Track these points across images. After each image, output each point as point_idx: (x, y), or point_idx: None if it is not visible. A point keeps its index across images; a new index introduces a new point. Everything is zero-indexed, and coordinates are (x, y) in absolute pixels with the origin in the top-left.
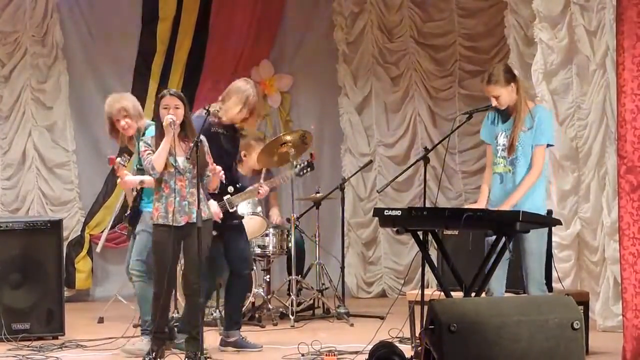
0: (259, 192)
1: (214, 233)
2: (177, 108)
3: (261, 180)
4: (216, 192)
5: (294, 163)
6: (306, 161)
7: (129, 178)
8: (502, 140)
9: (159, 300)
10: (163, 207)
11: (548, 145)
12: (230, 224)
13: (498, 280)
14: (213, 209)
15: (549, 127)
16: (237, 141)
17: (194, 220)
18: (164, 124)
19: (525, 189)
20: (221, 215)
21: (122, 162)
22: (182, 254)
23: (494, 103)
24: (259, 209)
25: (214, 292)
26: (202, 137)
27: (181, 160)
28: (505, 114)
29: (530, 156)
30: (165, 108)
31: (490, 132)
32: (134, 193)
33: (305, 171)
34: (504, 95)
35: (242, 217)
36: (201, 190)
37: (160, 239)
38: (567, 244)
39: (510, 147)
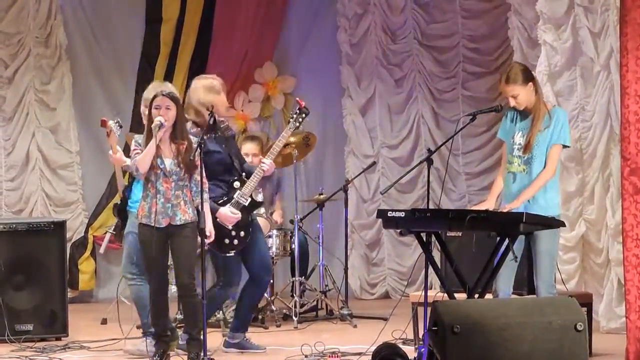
0: (263, 170)
1: (242, 234)
2: (168, 109)
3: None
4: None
5: (288, 119)
6: (297, 110)
7: (119, 156)
8: (519, 139)
9: (154, 300)
10: (147, 207)
11: (564, 147)
12: (254, 220)
13: (505, 281)
14: (226, 213)
15: (567, 129)
16: (229, 138)
17: (177, 222)
18: (152, 125)
19: (538, 186)
20: (239, 217)
21: (114, 127)
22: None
23: (512, 103)
24: (262, 210)
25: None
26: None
27: (168, 163)
28: (523, 114)
29: (546, 155)
30: (157, 108)
31: (509, 130)
32: (125, 184)
33: (301, 120)
34: (522, 94)
35: (262, 203)
36: (186, 193)
37: (145, 238)
38: (572, 245)
39: (527, 146)
